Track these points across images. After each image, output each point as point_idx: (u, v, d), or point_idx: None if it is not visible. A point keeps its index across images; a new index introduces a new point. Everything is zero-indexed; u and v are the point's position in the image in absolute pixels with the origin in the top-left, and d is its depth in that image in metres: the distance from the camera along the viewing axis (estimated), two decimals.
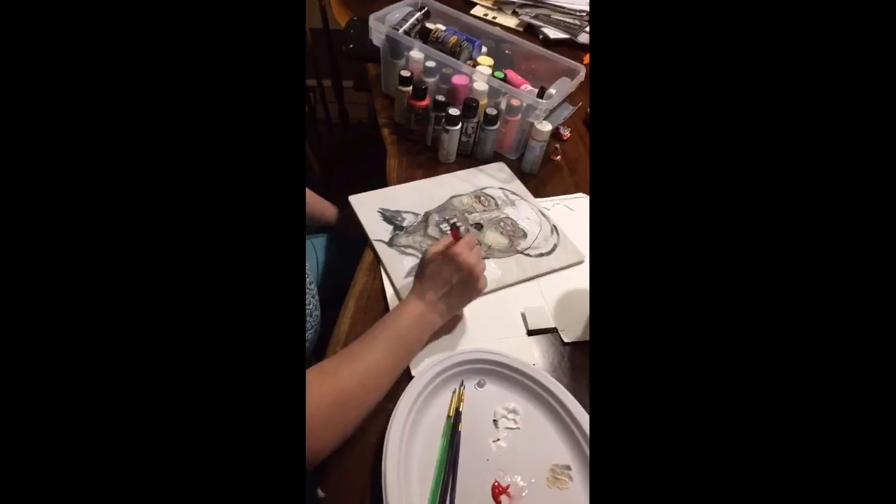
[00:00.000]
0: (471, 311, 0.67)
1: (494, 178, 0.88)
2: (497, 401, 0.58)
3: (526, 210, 0.83)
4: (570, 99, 0.96)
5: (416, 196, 0.82)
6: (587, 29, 1.27)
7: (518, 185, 0.87)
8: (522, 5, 1.30)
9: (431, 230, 0.77)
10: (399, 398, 0.54)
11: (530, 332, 0.67)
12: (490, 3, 1.34)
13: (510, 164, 0.91)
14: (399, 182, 0.85)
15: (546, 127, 0.84)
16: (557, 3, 1.28)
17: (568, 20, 1.27)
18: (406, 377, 0.58)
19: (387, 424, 0.52)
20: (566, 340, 0.66)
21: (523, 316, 0.68)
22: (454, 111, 0.84)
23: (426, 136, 0.91)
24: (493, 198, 0.84)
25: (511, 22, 1.29)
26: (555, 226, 0.81)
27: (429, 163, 0.90)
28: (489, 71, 0.89)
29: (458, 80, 0.87)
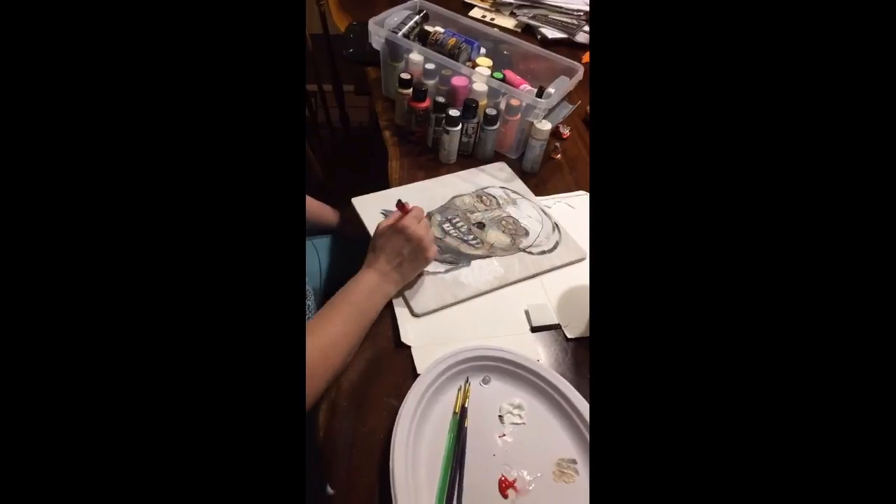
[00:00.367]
0: (475, 308, 0.68)
1: (495, 178, 0.89)
2: (502, 397, 0.59)
3: (527, 208, 0.84)
4: (569, 98, 0.97)
5: (418, 197, 0.82)
6: (585, 28, 1.27)
7: (519, 184, 0.88)
8: (520, 6, 1.31)
9: (434, 230, 0.78)
10: (405, 395, 0.55)
11: (534, 329, 0.67)
12: (488, 5, 1.35)
13: (511, 163, 0.92)
14: (401, 183, 0.86)
15: (546, 126, 0.85)
16: (554, 4, 1.29)
17: (565, 20, 1.28)
18: (412, 375, 0.59)
19: (394, 422, 0.53)
20: (569, 336, 0.67)
21: (527, 313, 0.69)
22: (454, 112, 0.84)
23: (427, 138, 0.92)
24: (494, 197, 0.85)
25: (509, 23, 1.30)
26: (556, 223, 0.82)
27: (430, 164, 0.91)
28: (488, 72, 0.90)
29: (457, 81, 0.87)
